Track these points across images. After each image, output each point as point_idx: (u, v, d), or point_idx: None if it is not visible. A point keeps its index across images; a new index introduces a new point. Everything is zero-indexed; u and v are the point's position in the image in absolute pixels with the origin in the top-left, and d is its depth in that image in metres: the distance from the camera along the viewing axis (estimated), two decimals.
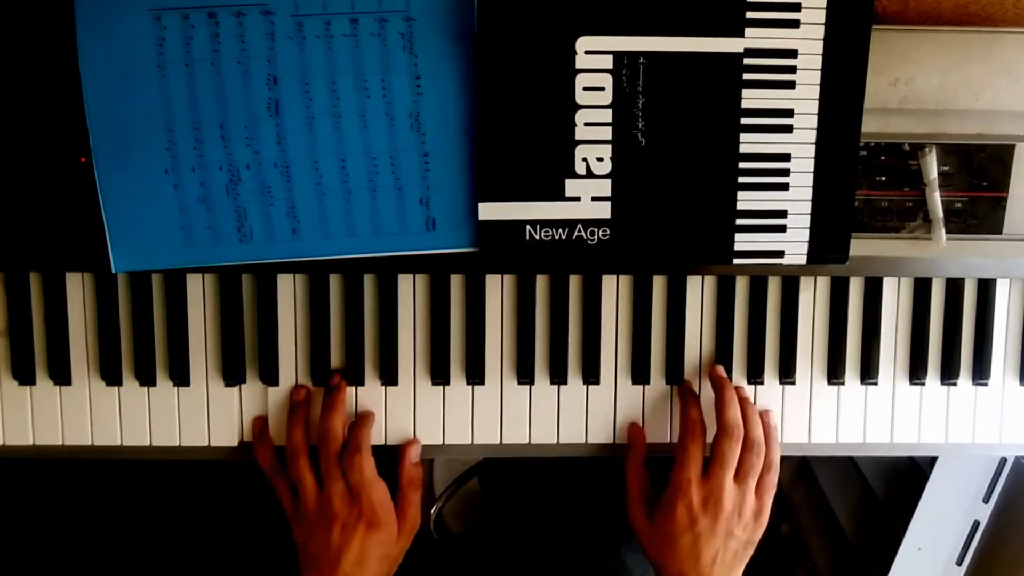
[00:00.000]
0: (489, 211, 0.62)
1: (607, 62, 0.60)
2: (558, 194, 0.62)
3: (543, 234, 0.62)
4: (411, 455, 0.67)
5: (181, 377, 0.66)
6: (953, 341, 0.69)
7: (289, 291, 0.66)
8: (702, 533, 0.62)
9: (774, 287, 0.68)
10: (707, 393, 0.68)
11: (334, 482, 0.63)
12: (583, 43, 0.59)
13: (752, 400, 0.68)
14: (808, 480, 1.01)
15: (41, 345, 0.66)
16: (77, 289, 0.65)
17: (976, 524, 0.79)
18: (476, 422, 0.68)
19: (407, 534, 0.66)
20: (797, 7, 0.59)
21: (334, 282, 0.66)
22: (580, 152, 0.61)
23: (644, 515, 0.65)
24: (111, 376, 0.66)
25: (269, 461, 0.66)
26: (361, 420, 0.66)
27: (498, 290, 0.67)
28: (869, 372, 0.69)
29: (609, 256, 0.63)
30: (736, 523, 0.62)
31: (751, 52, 0.60)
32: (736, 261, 0.63)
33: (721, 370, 0.67)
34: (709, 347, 0.68)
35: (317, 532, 0.63)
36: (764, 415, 0.67)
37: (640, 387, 0.68)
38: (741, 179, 0.62)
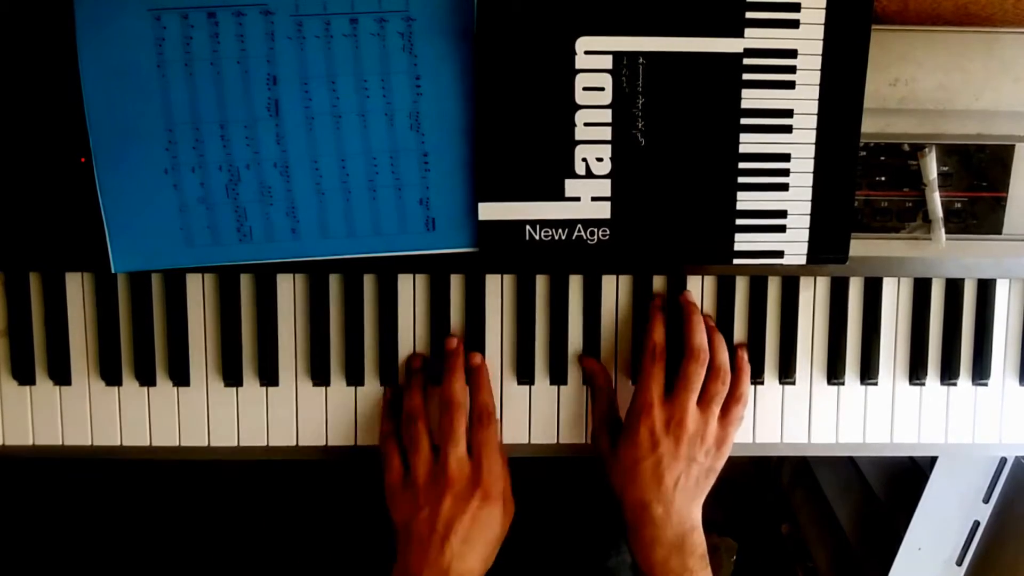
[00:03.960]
0: (489, 211, 0.62)
1: (607, 62, 0.60)
2: (558, 194, 0.62)
3: (543, 234, 0.62)
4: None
5: (181, 377, 0.66)
6: (953, 341, 0.69)
7: (289, 291, 0.66)
8: (664, 456, 0.61)
9: (774, 287, 0.68)
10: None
11: (454, 447, 0.61)
12: (583, 43, 0.59)
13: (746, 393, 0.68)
14: (808, 480, 1.01)
15: (41, 345, 0.66)
16: (77, 289, 0.65)
17: (976, 524, 0.79)
18: None
19: (510, 516, 0.63)
20: (797, 7, 0.59)
21: (334, 282, 0.66)
22: (580, 152, 0.61)
23: (608, 442, 0.65)
24: (111, 376, 0.66)
25: (387, 427, 0.65)
26: (480, 384, 0.64)
27: (498, 290, 0.67)
28: (869, 372, 0.69)
29: (609, 256, 0.63)
30: (698, 448, 0.62)
31: (751, 52, 0.60)
32: (736, 261, 0.63)
33: (690, 295, 0.66)
34: None
35: (426, 504, 0.60)
36: (739, 349, 0.67)
37: None
38: (741, 179, 0.62)
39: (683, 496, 0.61)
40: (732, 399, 0.65)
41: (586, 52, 0.59)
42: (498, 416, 0.66)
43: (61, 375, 0.66)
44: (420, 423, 0.63)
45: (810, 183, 0.62)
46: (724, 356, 0.65)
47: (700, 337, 0.64)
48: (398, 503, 0.62)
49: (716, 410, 0.63)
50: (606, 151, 0.61)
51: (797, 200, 0.63)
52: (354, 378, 0.67)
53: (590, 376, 0.67)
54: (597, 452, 0.66)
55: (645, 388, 0.63)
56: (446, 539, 0.59)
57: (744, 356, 0.67)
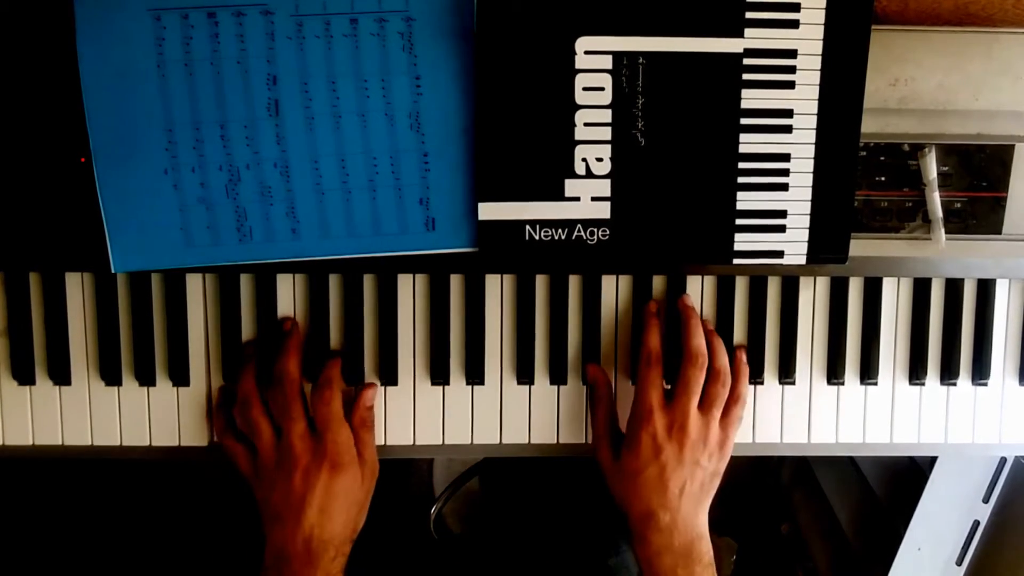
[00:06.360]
0: (489, 211, 0.62)
1: (607, 62, 0.60)
2: (558, 194, 0.62)
3: (543, 234, 0.62)
4: (367, 397, 0.65)
5: (181, 377, 0.66)
6: (953, 341, 0.69)
7: (289, 291, 0.66)
8: (668, 462, 0.61)
9: (774, 287, 0.68)
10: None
11: (294, 423, 0.61)
12: (583, 43, 0.59)
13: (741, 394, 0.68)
14: (808, 480, 1.01)
15: (41, 345, 0.66)
16: (77, 289, 0.65)
17: (976, 524, 0.79)
18: (476, 422, 0.68)
19: (369, 477, 0.64)
20: (797, 7, 0.59)
21: (334, 282, 0.66)
22: (580, 152, 0.61)
23: (610, 453, 0.64)
24: (111, 376, 0.66)
25: (220, 423, 0.65)
26: (332, 359, 0.65)
27: (498, 290, 0.67)
28: (869, 372, 0.69)
29: (609, 256, 0.63)
30: (702, 452, 0.61)
31: (751, 52, 0.60)
32: (736, 261, 0.63)
33: (688, 299, 0.66)
34: None
35: (277, 482, 0.60)
36: (738, 350, 0.67)
37: None
38: (741, 179, 0.62)
39: (689, 502, 0.61)
40: (731, 400, 0.65)
41: (586, 52, 0.59)
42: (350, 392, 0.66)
43: (61, 375, 0.66)
44: (255, 405, 0.62)
45: (810, 183, 0.62)
46: (724, 359, 0.65)
47: (698, 340, 0.64)
48: (255, 484, 0.62)
49: (717, 413, 0.63)
50: (606, 151, 0.61)
51: (797, 200, 0.63)
52: (354, 378, 0.67)
53: (592, 383, 0.67)
54: (598, 461, 0.65)
55: (644, 394, 0.63)
56: (302, 512, 0.59)
57: (743, 357, 0.67)
